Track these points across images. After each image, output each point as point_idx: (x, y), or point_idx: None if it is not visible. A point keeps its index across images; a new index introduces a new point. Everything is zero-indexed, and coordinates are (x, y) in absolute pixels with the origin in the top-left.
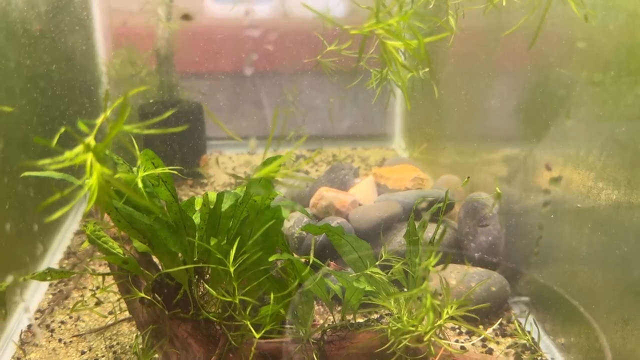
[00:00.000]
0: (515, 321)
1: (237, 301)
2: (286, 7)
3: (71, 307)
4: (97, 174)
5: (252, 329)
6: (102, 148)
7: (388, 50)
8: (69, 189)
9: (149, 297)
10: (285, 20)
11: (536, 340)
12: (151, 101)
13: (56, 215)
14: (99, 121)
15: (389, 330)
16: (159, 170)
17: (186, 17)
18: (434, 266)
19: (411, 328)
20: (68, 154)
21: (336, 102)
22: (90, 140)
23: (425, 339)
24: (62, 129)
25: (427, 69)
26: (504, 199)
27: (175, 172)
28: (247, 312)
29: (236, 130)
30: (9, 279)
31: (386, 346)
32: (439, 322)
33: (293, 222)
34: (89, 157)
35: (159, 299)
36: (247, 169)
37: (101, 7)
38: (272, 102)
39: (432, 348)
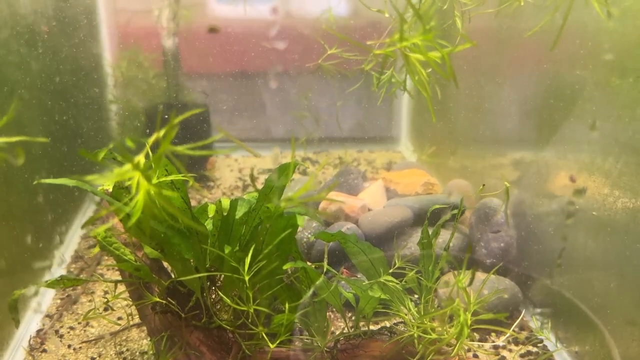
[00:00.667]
0: (537, 325)
1: (252, 310)
2: (288, 7)
3: (79, 312)
4: (144, 191)
5: (266, 338)
6: (149, 165)
7: (412, 64)
8: (113, 205)
9: (163, 302)
10: (288, 20)
11: (552, 346)
12: (160, 106)
13: (100, 229)
14: (150, 140)
15: (415, 340)
16: (171, 177)
17: (213, 29)
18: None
19: (434, 336)
20: (117, 171)
21: (342, 105)
22: (140, 158)
23: (454, 353)
24: (111, 145)
25: (430, 70)
26: (516, 204)
27: (189, 179)
28: (261, 321)
29: (240, 132)
30: (31, 288)
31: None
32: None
33: (302, 227)
34: (137, 175)
35: (173, 304)
36: (254, 172)
37: (107, 8)
38: (276, 104)
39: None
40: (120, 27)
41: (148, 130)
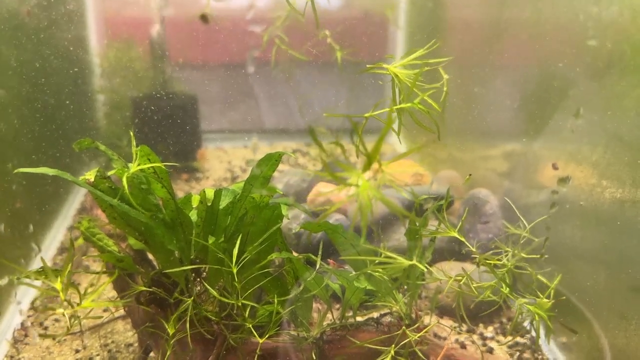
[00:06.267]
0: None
1: (240, 304)
2: None
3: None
4: (365, 190)
5: (254, 332)
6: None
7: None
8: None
9: (149, 289)
10: (282, 11)
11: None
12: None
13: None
14: (376, 156)
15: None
16: (152, 165)
17: (204, 18)
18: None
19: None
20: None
21: (334, 95)
22: (378, 168)
23: None
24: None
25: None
26: (505, 195)
27: (170, 169)
28: (247, 313)
29: (231, 123)
30: (4, 280)
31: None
32: None
33: (290, 217)
34: (361, 176)
35: (159, 291)
36: (243, 163)
37: None
38: (267, 95)
39: None
40: (110, 16)
41: (135, 121)
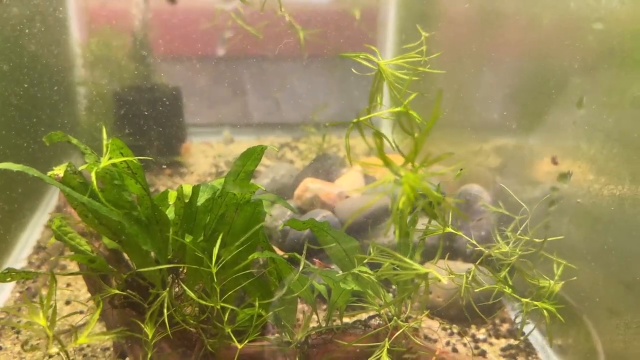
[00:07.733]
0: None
1: (218, 307)
2: None
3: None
4: (407, 183)
5: (233, 337)
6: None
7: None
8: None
9: (123, 293)
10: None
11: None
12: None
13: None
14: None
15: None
16: (124, 159)
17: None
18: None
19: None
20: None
21: (322, 88)
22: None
23: None
24: None
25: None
26: (498, 191)
27: (146, 162)
28: (226, 317)
29: (216, 117)
30: None
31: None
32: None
33: (276, 214)
34: (404, 171)
35: (134, 295)
36: (230, 158)
37: None
38: (254, 88)
39: None
40: (94, 9)
41: (118, 114)
